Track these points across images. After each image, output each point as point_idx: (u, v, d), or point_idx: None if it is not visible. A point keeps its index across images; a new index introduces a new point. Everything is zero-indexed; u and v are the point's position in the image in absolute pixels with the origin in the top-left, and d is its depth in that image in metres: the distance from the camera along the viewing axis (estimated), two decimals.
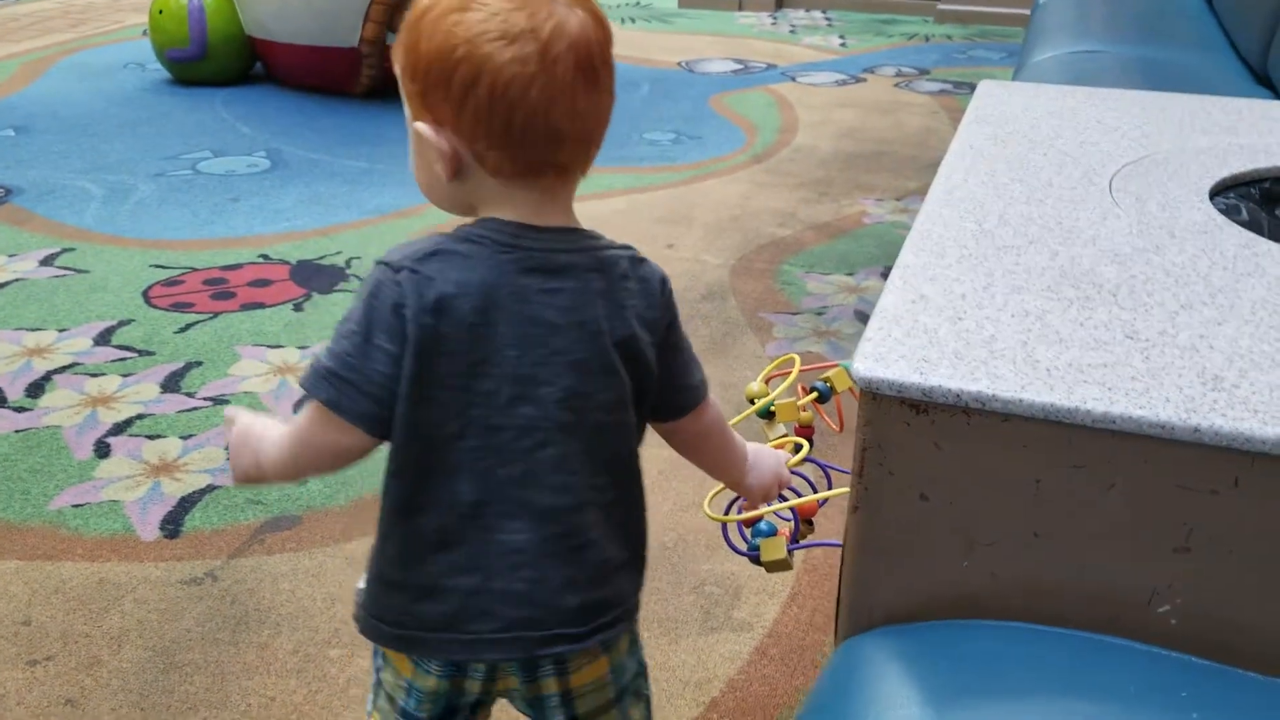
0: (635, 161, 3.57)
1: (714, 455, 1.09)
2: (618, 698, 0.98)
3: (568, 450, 0.88)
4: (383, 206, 3.15)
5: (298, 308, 2.52)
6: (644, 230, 2.96)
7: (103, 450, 1.96)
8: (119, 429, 2.02)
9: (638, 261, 0.91)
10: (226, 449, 0.96)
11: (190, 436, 2.00)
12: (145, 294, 2.56)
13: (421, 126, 0.84)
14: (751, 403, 1.49)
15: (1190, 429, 0.76)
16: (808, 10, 6.13)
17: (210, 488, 1.85)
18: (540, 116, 0.82)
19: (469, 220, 0.88)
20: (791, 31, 5.62)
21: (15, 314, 2.45)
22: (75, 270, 2.68)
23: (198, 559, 1.69)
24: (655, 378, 0.92)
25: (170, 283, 2.63)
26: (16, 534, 1.73)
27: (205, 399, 2.13)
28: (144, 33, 5.00)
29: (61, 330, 2.38)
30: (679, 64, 4.91)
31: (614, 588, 0.93)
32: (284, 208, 3.13)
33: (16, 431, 2.01)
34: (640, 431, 0.95)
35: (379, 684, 0.98)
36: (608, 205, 3.11)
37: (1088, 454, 0.79)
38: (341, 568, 1.67)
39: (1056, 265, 0.99)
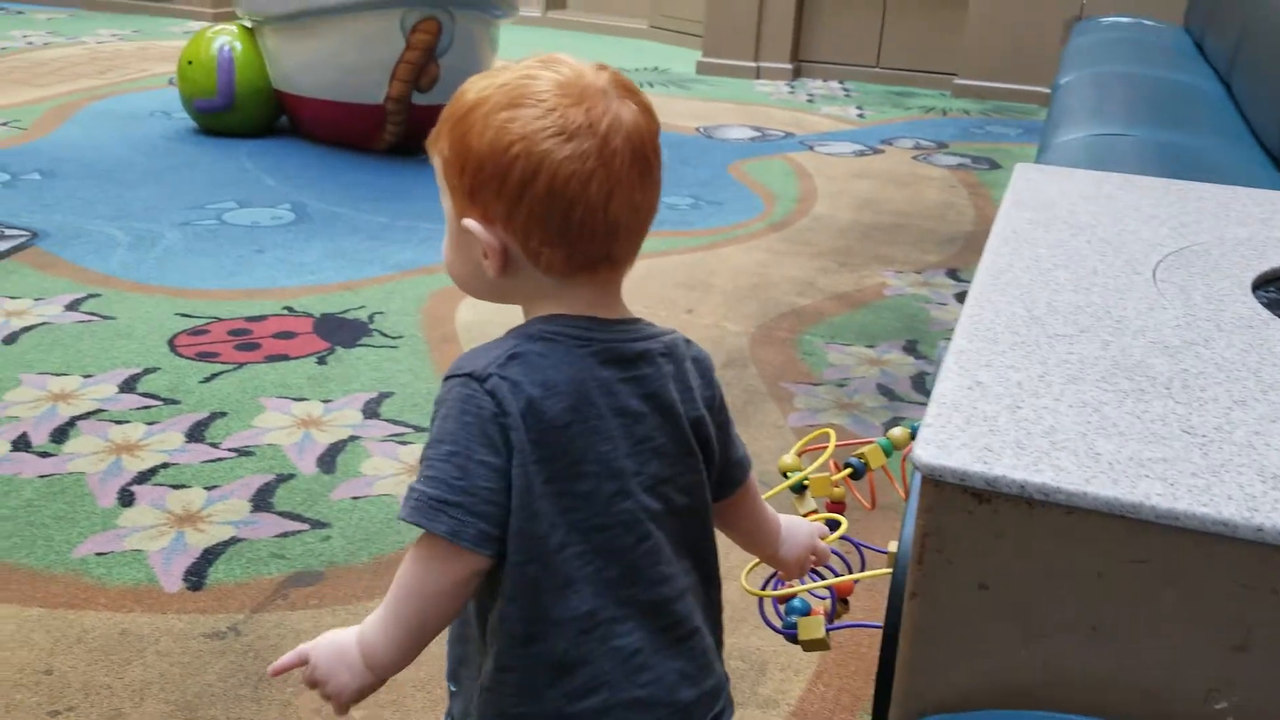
0: (654, 225, 3.58)
1: (750, 529, 1.09)
2: None
3: (661, 539, 0.88)
4: (404, 263, 3.17)
5: (321, 361, 2.53)
6: (663, 295, 2.98)
7: (126, 499, 1.96)
8: (143, 477, 2.02)
9: (688, 343, 0.93)
10: (315, 685, 0.88)
11: (214, 487, 2.00)
12: (171, 342, 2.58)
13: (471, 223, 0.84)
14: (784, 475, 1.49)
15: (1253, 528, 0.76)
16: (825, 80, 6.22)
17: (234, 540, 1.85)
18: (600, 211, 0.82)
19: (533, 318, 0.88)
20: (809, 100, 5.70)
21: (40, 358, 2.46)
22: (101, 316, 2.70)
23: (220, 612, 1.68)
24: (717, 456, 0.94)
25: (196, 332, 2.65)
26: (40, 581, 1.73)
27: (230, 450, 2.13)
28: (171, 81, 5.08)
29: (87, 376, 2.39)
30: (697, 129, 4.97)
31: (716, 674, 0.93)
32: (308, 260, 3.16)
33: (41, 477, 2.01)
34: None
35: None
36: None
37: (1150, 549, 0.79)
38: None
39: (1109, 356, 1.00)
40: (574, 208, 0.81)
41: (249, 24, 4.37)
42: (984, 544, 0.83)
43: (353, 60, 4.01)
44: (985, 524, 0.82)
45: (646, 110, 0.86)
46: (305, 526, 1.90)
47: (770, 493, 1.40)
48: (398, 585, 0.85)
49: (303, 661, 0.89)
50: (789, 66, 6.22)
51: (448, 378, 0.84)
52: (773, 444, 2.23)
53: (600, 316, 0.87)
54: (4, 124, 4.38)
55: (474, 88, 0.85)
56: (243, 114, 4.32)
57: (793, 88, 6.01)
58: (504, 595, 0.85)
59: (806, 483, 1.43)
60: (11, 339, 2.55)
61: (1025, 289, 1.16)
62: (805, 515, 1.47)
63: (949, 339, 1.32)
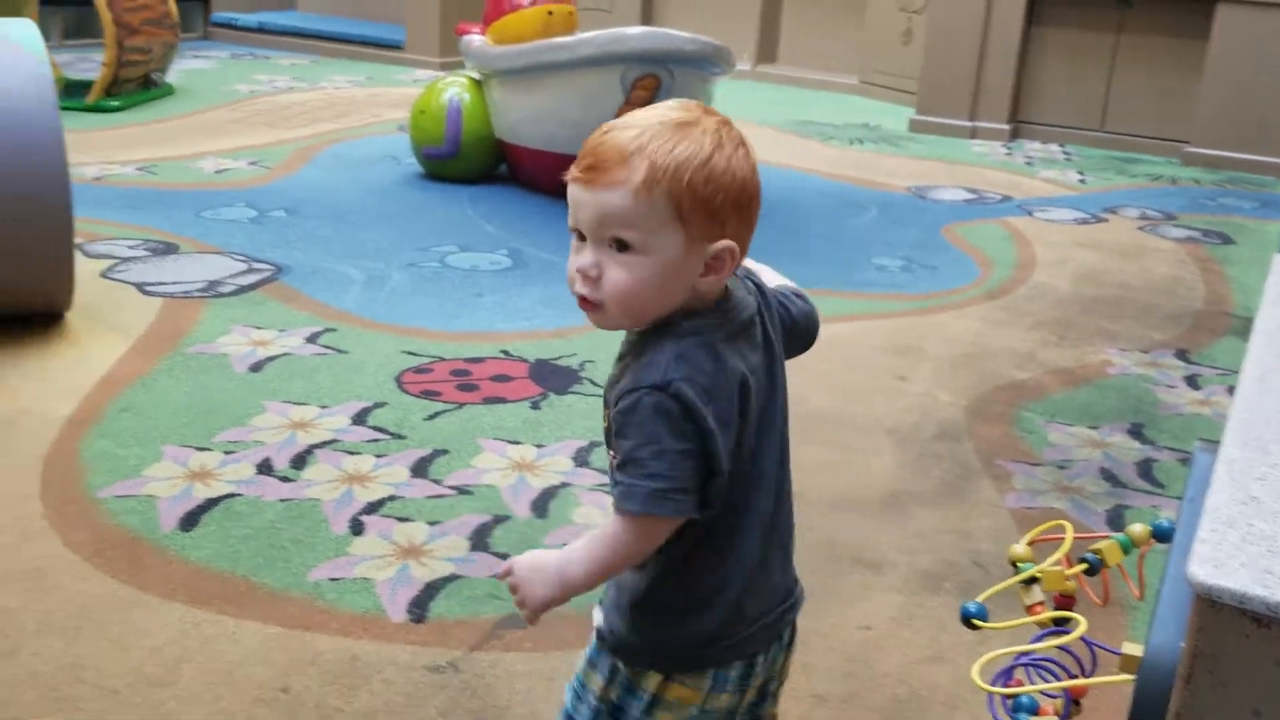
0: (862, 286, 3.58)
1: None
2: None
3: (772, 464, 1.13)
4: None
5: (535, 406, 2.62)
6: (871, 359, 2.95)
7: (357, 528, 2.07)
8: (372, 508, 2.13)
9: (758, 289, 1.15)
10: (514, 591, 1.11)
11: (436, 523, 2.10)
12: (398, 379, 2.72)
13: (727, 243, 1.05)
14: (1013, 566, 1.46)
15: None
16: (1044, 143, 6.05)
17: (453, 576, 1.93)
18: (756, 208, 1.09)
19: (674, 316, 1.07)
20: (1027, 163, 5.56)
21: (283, 387, 2.64)
22: (336, 350, 2.87)
23: (440, 647, 1.76)
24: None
25: (420, 370, 2.79)
26: (279, 602, 1.84)
27: (450, 487, 2.23)
28: (400, 127, 5.38)
29: (323, 407, 2.55)
30: (909, 189, 4.92)
31: (791, 568, 1.21)
32: (523, 306, 3.27)
33: (281, 500, 2.15)
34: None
35: None
36: (832, 330, 3.12)
37: None
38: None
39: None
40: (752, 205, 1.08)
41: (477, 76, 4.60)
42: (1260, 669, 0.79)
43: (573, 114, 4.16)
44: (1263, 649, 0.78)
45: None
46: None
47: (998, 586, 1.38)
48: (611, 544, 1.06)
49: (509, 571, 1.11)
50: (1006, 127, 6.09)
51: (630, 391, 1.04)
52: (987, 524, 2.17)
53: (717, 302, 1.08)
54: (252, 164, 4.73)
55: (684, 144, 1.04)
56: (466, 162, 4.53)
57: (1009, 149, 5.87)
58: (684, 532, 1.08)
59: (1038, 576, 1.39)
60: (258, 367, 2.74)
61: None
62: (1030, 608, 1.43)
63: (1205, 440, 1.27)
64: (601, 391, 2.89)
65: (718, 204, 1.03)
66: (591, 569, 1.07)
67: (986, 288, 3.63)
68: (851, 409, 2.66)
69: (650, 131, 1.04)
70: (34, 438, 2.32)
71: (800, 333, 1.21)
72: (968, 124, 6.13)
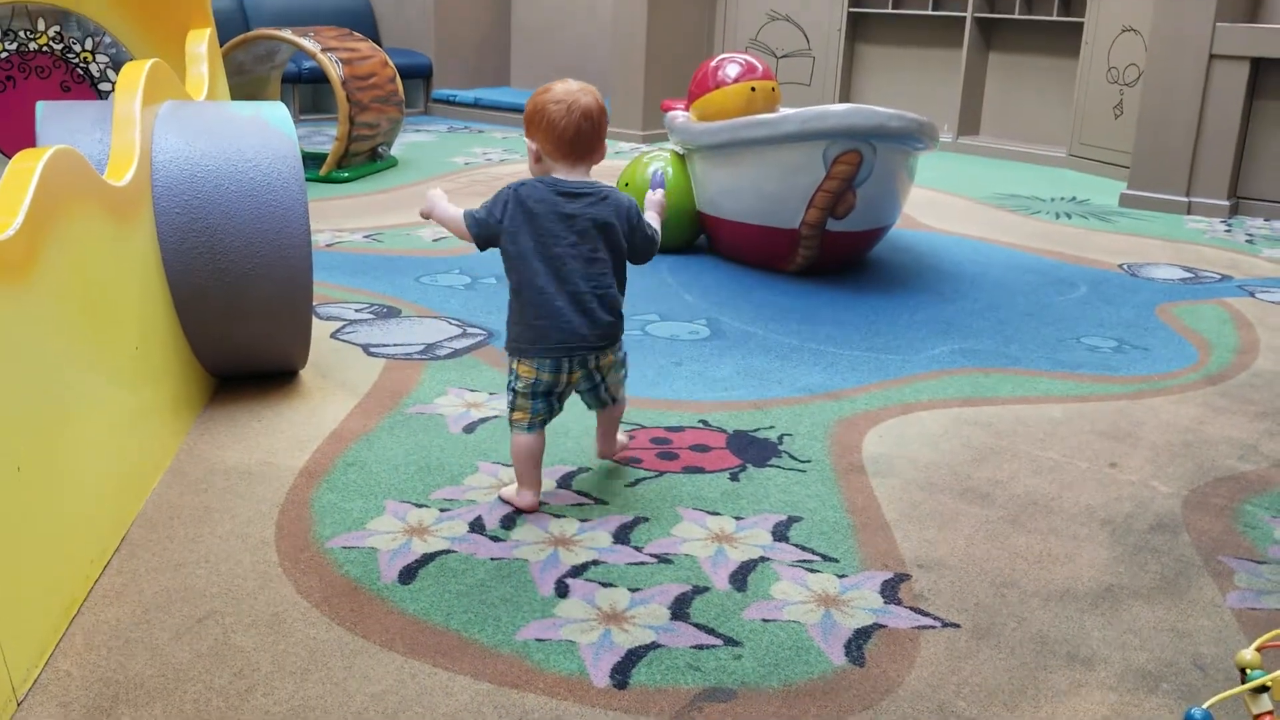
0: (1072, 367, 3.48)
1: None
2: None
3: (577, 267, 2.30)
4: (813, 386, 3.26)
5: (734, 477, 2.65)
6: (1082, 443, 2.86)
7: (562, 590, 2.14)
8: (576, 571, 2.20)
9: (610, 193, 2.34)
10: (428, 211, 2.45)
11: (637, 590, 2.15)
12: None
13: (528, 140, 2.31)
14: (1241, 671, 1.40)
15: None
16: (1267, 219, 5.75)
17: (654, 645, 1.97)
18: (566, 133, 2.28)
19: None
20: (1249, 241, 5.28)
21: (494, 448, 2.76)
22: None
23: (643, 714, 1.79)
24: (623, 247, 2.38)
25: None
26: (489, 659, 1.92)
27: (650, 555, 2.28)
28: None
29: None
30: (1120, 266, 4.75)
31: (603, 323, 2.37)
32: (721, 376, 3.32)
33: (492, 559, 2.24)
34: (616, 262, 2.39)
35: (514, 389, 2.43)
36: (1041, 411, 3.04)
37: None
38: None
39: None
40: (554, 129, 2.28)
41: (680, 151, 4.73)
42: None
43: (773, 188, 4.22)
44: None
45: (598, 101, 2.31)
46: (719, 642, 1.99)
47: (1226, 694, 1.33)
48: (453, 221, 2.39)
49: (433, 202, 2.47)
50: (1226, 203, 5.81)
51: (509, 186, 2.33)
52: (1208, 623, 2.07)
53: (564, 179, 2.30)
54: None
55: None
56: (668, 233, 4.64)
57: (1229, 226, 5.60)
58: (511, 276, 2.34)
59: (1269, 684, 1.33)
60: (471, 428, 2.88)
61: None
62: (1258, 717, 1.37)
63: None
64: (798, 465, 3.16)
65: (529, 118, 2.32)
66: (448, 220, 2.39)
67: (1205, 372, 3.46)
68: (1063, 497, 2.58)
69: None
70: (271, 487, 2.51)
71: (634, 252, 2.42)
72: (1183, 199, 5.88)
